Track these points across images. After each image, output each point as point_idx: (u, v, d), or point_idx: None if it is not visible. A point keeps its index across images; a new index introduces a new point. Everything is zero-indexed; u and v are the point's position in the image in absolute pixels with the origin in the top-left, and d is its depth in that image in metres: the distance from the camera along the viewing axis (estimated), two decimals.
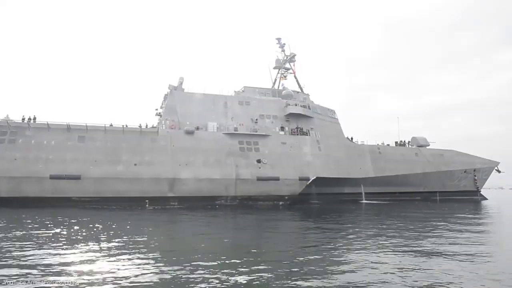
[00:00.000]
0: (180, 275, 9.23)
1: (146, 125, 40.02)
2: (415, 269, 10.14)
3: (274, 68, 54.50)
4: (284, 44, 53.91)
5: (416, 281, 9.06)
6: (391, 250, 13.11)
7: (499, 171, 60.47)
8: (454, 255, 12.29)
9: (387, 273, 9.77)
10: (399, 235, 17.17)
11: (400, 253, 12.65)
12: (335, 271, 10.10)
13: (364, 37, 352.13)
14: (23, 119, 36.88)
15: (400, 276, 9.40)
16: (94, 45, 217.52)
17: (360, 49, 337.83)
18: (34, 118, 37.53)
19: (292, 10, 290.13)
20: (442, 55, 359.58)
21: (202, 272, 9.60)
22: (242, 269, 9.94)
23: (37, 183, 33.82)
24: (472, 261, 11.33)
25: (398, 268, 10.26)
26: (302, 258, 11.84)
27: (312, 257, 12.09)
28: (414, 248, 13.42)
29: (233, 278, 9.08)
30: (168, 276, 9.14)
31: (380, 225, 21.65)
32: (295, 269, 10.25)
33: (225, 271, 9.75)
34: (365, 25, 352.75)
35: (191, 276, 9.20)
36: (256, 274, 9.46)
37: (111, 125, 37.94)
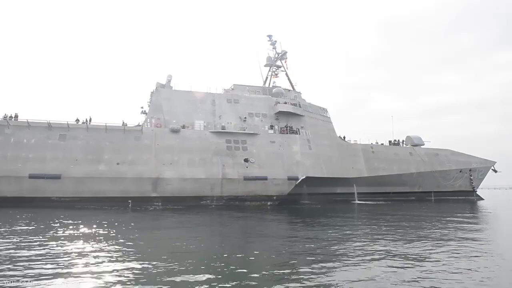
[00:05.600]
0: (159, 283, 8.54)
1: (123, 122, 38.81)
2: (412, 278, 9.31)
3: (265, 65, 53.42)
4: (276, 41, 52.89)
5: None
6: (385, 253, 12.29)
7: (495, 171, 59.45)
8: (447, 258, 11.58)
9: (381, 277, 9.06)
10: (393, 237, 16.22)
11: (396, 257, 11.82)
12: (324, 277, 9.26)
13: (363, 37, 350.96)
14: (5, 117, 35.94)
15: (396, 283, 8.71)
16: (79, 41, 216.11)
17: (359, 48, 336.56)
18: (16, 116, 36.65)
19: (287, 8, 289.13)
20: (442, 55, 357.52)
21: (182, 279, 8.92)
22: (227, 276, 9.25)
23: (16, 182, 32.88)
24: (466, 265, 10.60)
25: (393, 273, 9.51)
26: (289, 263, 11.04)
27: (297, 260, 11.42)
28: (410, 252, 12.61)
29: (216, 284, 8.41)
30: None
31: (373, 227, 20.66)
32: (281, 276, 9.43)
33: (208, 277, 9.06)
34: (363, 25, 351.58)
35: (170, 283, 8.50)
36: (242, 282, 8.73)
37: (90, 119, 37.15)
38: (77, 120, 37.42)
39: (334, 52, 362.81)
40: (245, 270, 9.89)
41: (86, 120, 37.48)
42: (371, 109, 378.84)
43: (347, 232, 18.39)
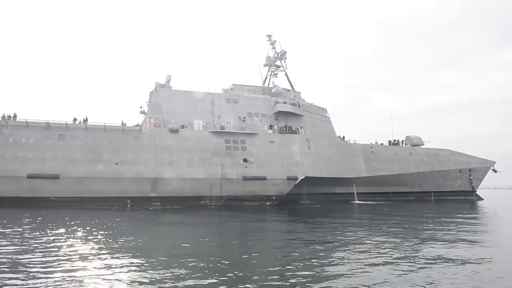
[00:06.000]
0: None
1: (122, 122, 38.89)
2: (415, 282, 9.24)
3: (265, 65, 53.33)
4: (275, 41, 52.85)
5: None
6: (386, 256, 12.16)
7: (495, 171, 59.38)
8: (448, 260, 11.48)
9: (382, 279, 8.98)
10: (394, 239, 16.07)
11: (395, 258, 11.72)
12: (325, 280, 9.16)
13: (363, 37, 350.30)
14: (3, 117, 35.89)
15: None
16: (78, 41, 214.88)
17: (359, 48, 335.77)
18: (15, 116, 36.61)
19: (287, 8, 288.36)
20: (442, 55, 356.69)
21: (181, 280, 8.82)
22: (225, 277, 9.16)
23: (14, 182, 32.83)
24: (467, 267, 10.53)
25: (395, 277, 9.42)
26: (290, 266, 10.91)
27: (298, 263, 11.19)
28: (412, 254, 12.43)
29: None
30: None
31: (373, 228, 20.55)
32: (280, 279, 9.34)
33: (207, 278, 8.98)
34: (363, 25, 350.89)
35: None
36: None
37: (86, 119, 37.23)
38: (75, 120, 37.40)
39: (334, 52, 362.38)
40: (244, 272, 9.82)
41: (83, 120, 37.47)
42: (371, 109, 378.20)
43: (347, 233, 18.29)
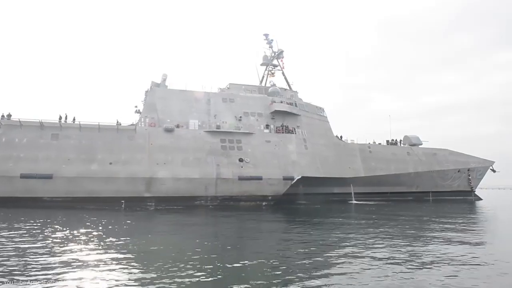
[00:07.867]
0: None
1: (117, 122, 38.68)
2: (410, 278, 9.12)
3: (262, 65, 53.08)
4: (272, 40, 52.58)
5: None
6: (383, 256, 11.92)
7: (494, 171, 59.06)
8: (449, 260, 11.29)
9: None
10: (392, 240, 15.79)
11: (393, 259, 11.51)
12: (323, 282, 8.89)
13: (363, 37, 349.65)
14: None
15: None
16: (73, 40, 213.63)
17: (359, 48, 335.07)
18: (9, 115, 36.33)
19: (286, 8, 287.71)
20: (442, 55, 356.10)
21: (179, 281, 8.64)
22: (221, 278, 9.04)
23: (7, 182, 32.50)
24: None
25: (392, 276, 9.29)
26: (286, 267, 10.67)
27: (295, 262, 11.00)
28: (411, 257, 12.13)
29: None
30: None
31: (370, 228, 20.24)
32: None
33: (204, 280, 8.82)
34: (363, 25, 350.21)
35: None
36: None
37: (74, 119, 36.87)
38: (60, 118, 36.92)
39: (334, 52, 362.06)
40: (239, 273, 9.67)
41: (65, 118, 37.01)
42: (371, 109, 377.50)
43: (344, 234, 17.99)
